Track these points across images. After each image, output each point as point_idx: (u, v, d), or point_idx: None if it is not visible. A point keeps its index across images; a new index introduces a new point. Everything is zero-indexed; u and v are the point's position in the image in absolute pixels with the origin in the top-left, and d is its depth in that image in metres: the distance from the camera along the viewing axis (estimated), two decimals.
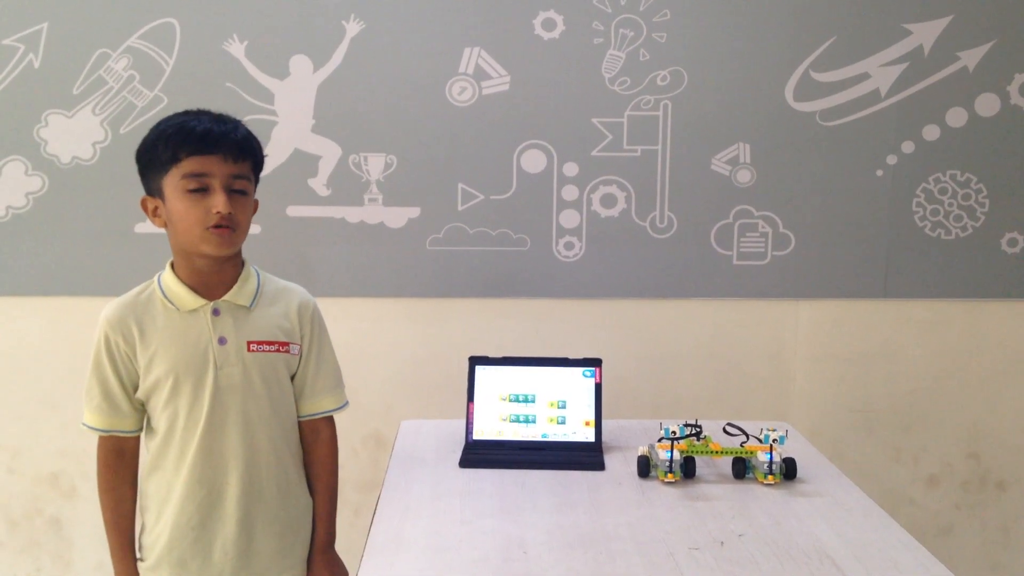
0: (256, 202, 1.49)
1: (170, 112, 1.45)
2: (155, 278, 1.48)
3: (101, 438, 1.48)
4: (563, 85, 2.19)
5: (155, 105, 2.13)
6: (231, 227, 1.40)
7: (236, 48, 2.14)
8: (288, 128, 2.16)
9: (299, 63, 2.15)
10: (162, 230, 1.45)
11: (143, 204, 1.45)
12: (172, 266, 1.47)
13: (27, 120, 2.13)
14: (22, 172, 2.15)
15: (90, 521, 2.29)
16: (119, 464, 1.49)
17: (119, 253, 2.18)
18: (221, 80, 2.14)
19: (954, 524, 2.39)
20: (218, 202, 1.37)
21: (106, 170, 2.15)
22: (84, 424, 1.48)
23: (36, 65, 2.12)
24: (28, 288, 2.20)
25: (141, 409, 1.48)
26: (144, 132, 2.14)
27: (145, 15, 2.11)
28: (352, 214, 2.21)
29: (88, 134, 2.15)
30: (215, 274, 1.45)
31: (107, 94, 2.13)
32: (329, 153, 2.19)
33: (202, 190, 1.38)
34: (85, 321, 2.18)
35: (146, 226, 2.16)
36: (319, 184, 2.20)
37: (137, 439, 1.50)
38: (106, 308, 1.46)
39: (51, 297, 2.21)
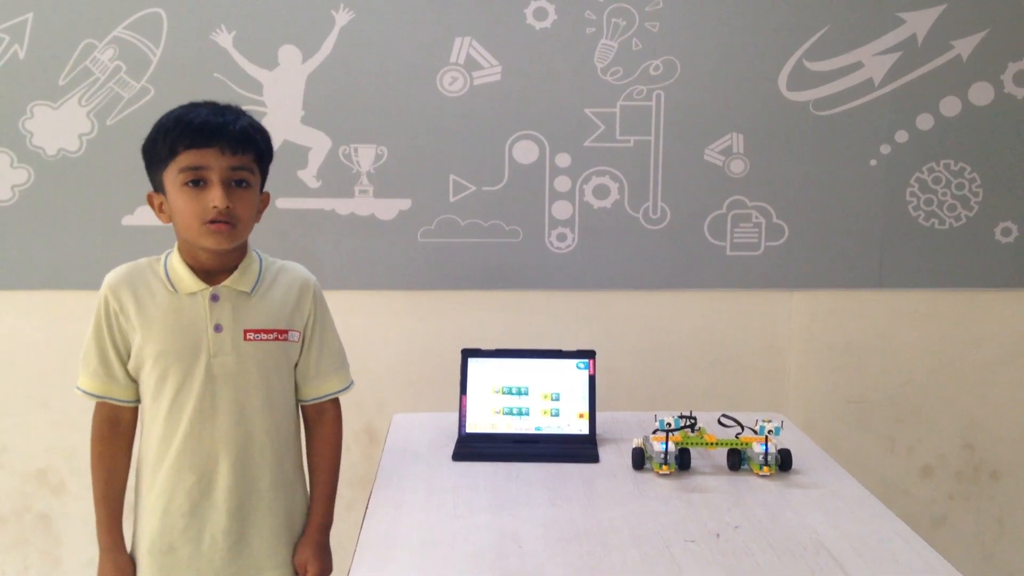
0: (267, 195, 1.49)
1: (156, 103, 1.44)
2: (163, 255, 1.47)
3: (96, 406, 1.47)
4: (555, 75, 2.17)
5: (142, 96, 2.10)
6: (230, 222, 1.38)
7: (224, 38, 2.11)
8: (277, 119, 2.14)
9: (288, 53, 2.13)
10: (158, 224, 1.43)
11: (149, 200, 1.44)
12: (178, 248, 1.46)
13: (12, 112, 2.11)
14: (7, 164, 2.13)
15: (79, 518, 2.27)
16: (113, 434, 1.47)
17: (106, 246, 2.15)
18: (209, 71, 2.11)
19: (948, 515, 2.39)
20: (215, 196, 1.35)
21: (93, 162, 2.13)
22: (78, 388, 1.45)
23: (21, 56, 2.09)
24: (14, 282, 2.18)
25: (136, 381, 1.46)
26: (131, 124, 2.12)
27: (131, 5, 2.08)
28: (342, 206, 2.19)
29: (74, 126, 2.12)
30: (218, 263, 1.44)
31: (93, 85, 2.11)
32: (319, 144, 2.17)
33: (200, 183, 1.36)
34: (73, 315, 2.18)
35: (134, 219, 2.14)
36: (309, 176, 2.18)
37: (133, 411, 1.48)
38: (111, 272, 1.45)
39: (38, 291, 2.18)
